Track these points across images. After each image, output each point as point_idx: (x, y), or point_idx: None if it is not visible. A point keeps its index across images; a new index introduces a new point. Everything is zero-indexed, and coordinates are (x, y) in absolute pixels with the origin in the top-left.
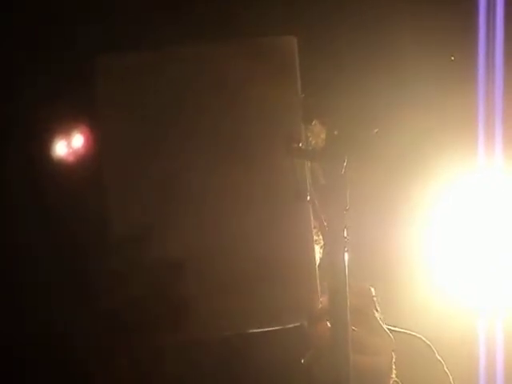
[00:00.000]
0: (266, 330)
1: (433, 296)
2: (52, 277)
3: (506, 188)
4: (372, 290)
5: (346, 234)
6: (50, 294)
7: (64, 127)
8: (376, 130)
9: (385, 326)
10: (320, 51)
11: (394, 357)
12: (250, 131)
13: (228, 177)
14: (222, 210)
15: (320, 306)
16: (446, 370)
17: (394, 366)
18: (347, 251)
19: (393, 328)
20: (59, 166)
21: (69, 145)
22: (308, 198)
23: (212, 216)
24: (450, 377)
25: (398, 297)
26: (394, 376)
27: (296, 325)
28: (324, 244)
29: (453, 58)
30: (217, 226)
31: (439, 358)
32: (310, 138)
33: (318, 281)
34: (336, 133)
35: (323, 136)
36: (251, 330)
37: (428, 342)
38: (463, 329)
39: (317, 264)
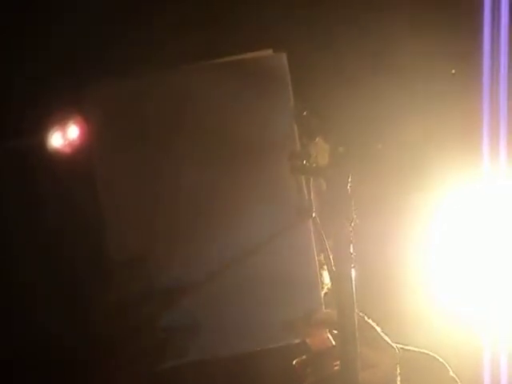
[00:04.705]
0: (270, 347)
1: (436, 309)
2: (48, 299)
3: (509, 195)
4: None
5: (352, 250)
6: (45, 318)
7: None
8: (379, 146)
9: (386, 338)
10: (323, 68)
11: (397, 369)
12: (250, 150)
13: (230, 195)
14: (224, 229)
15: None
16: None
17: (398, 378)
18: (354, 267)
19: (406, 347)
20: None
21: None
22: (312, 215)
23: (214, 235)
24: None
25: (399, 310)
26: None
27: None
28: (330, 261)
29: (453, 72)
30: (219, 244)
31: (454, 375)
32: (314, 155)
33: (321, 297)
34: (341, 149)
35: (327, 153)
36: (256, 349)
37: (442, 361)
38: (466, 343)
39: (322, 281)
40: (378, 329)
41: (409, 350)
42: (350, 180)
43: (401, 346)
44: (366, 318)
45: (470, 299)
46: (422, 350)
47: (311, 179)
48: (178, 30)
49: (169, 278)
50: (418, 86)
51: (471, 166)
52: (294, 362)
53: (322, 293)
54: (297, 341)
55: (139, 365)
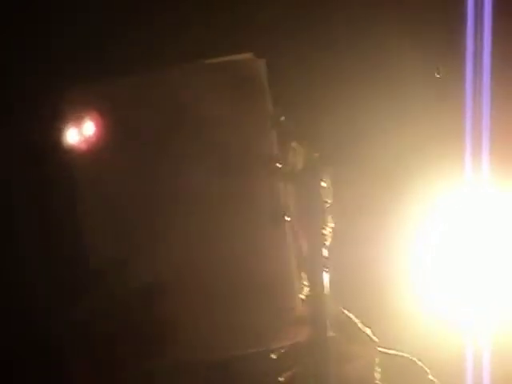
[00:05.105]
0: (250, 351)
1: (421, 312)
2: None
3: (494, 202)
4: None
5: (326, 254)
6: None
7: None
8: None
9: (367, 331)
10: (301, 73)
11: (376, 361)
12: (226, 154)
13: (204, 197)
14: (200, 233)
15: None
16: None
17: (377, 369)
18: (327, 271)
19: (385, 350)
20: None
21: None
22: (287, 219)
23: (191, 239)
24: None
25: (385, 312)
26: (377, 380)
27: (278, 347)
28: (303, 263)
29: (438, 76)
30: (196, 248)
31: (432, 378)
32: (291, 159)
33: (298, 300)
34: (316, 155)
35: (303, 157)
36: (235, 352)
37: (420, 364)
38: (452, 346)
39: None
40: (358, 322)
41: (388, 353)
42: (325, 184)
43: (381, 349)
44: (346, 313)
45: (457, 301)
46: (401, 354)
47: (287, 183)
48: (175, 30)
49: (145, 281)
50: (400, 88)
51: (455, 168)
52: (272, 356)
53: (301, 296)
54: (276, 345)
55: (128, 365)
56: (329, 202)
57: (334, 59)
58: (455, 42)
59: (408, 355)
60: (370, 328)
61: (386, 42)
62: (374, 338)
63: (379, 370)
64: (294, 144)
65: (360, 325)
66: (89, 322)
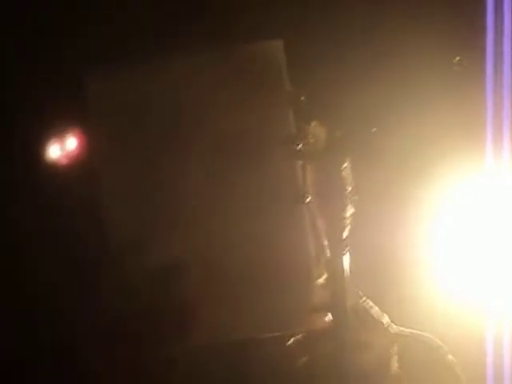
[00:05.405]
0: (269, 335)
1: (439, 296)
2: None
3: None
4: (359, 292)
5: (346, 236)
6: (52, 306)
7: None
8: (374, 129)
9: (383, 318)
10: (322, 55)
11: (394, 349)
12: (246, 136)
13: (226, 182)
14: (221, 216)
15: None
16: (457, 371)
17: (395, 358)
18: (346, 252)
19: (404, 329)
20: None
21: (63, 148)
22: (308, 199)
23: (212, 222)
24: (463, 378)
25: (403, 297)
26: (395, 369)
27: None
28: (323, 247)
29: (458, 59)
30: (217, 231)
31: (451, 358)
32: (311, 140)
33: (317, 284)
34: (338, 133)
35: (323, 137)
36: (255, 335)
37: (440, 343)
38: (471, 329)
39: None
40: (376, 309)
41: (406, 332)
42: (346, 165)
43: (398, 328)
44: (363, 299)
45: (476, 288)
46: (420, 333)
47: (307, 164)
48: (177, 17)
49: (165, 264)
50: (420, 76)
51: (475, 158)
52: (289, 343)
53: (321, 280)
54: (295, 330)
55: (148, 348)
56: (349, 187)
57: (353, 42)
58: (476, 31)
59: (428, 335)
60: (387, 314)
61: (404, 30)
62: (393, 325)
63: (397, 357)
64: (314, 124)
65: (379, 313)
66: (108, 304)
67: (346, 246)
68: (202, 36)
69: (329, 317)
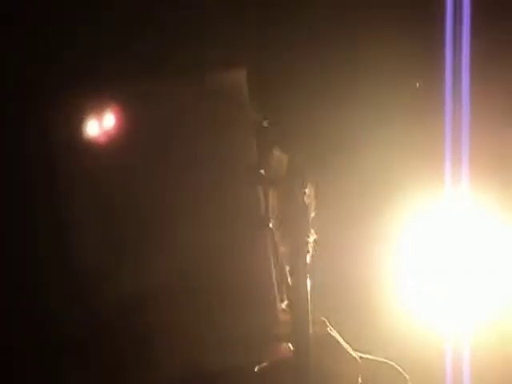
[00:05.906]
0: (235, 365)
1: (400, 321)
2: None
3: (472, 215)
4: (325, 321)
5: (308, 261)
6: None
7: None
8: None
9: (350, 351)
10: (284, 80)
11: (359, 381)
12: (208, 164)
13: (187, 205)
14: (186, 239)
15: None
16: None
17: None
18: (310, 277)
19: (364, 355)
20: None
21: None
22: (270, 225)
23: (176, 246)
24: None
25: (365, 322)
26: None
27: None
28: (285, 273)
29: (418, 85)
30: (181, 260)
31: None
32: (273, 166)
33: (279, 311)
34: (298, 160)
35: (285, 163)
36: (215, 367)
37: (400, 369)
38: (430, 353)
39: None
40: (341, 339)
41: (369, 359)
42: (307, 191)
43: (361, 355)
44: (329, 329)
45: (437, 309)
46: (381, 359)
47: (269, 189)
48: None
49: (130, 294)
50: (381, 98)
51: (435, 181)
52: (256, 369)
53: (282, 305)
54: (256, 358)
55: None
56: (311, 212)
57: (320, 67)
58: (435, 54)
59: (387, 361)
60: (348, 338)
61: (367, 56)
62: (357, 355)
63: None
64: (276, 150)
65: (343, 342)
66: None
67: (309, 272)
68: (163, 62)
69: (291, 346)
